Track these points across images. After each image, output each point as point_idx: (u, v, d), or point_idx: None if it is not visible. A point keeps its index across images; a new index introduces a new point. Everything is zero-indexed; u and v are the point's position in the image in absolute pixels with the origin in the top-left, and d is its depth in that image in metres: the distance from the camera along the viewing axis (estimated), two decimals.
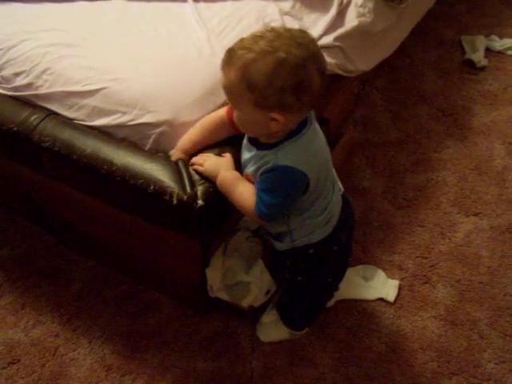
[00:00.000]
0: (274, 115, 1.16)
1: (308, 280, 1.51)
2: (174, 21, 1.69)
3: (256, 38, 1.14)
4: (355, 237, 1.66)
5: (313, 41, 1.17)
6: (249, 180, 1.32)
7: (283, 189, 1.24)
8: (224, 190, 1.34)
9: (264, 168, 1.24)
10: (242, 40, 1.16)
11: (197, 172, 1.37)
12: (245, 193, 1.30)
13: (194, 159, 1.39)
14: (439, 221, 1.96)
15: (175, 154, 1.43)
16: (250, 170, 1.30)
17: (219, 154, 1.39)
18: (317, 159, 1.28)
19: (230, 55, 1.16)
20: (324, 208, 1.36)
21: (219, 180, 1.34)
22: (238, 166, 1.37)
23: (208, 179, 1.36)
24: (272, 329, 1.69)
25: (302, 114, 1.21)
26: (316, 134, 1.29)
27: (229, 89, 1.18)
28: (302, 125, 1.24)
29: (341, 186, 1.45)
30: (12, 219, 1.98)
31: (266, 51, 1.11)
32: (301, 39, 1.14)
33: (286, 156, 1.22)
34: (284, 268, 1.50)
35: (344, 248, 1.53)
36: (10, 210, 2.00)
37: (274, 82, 1.11)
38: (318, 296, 1.63)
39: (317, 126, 1.30)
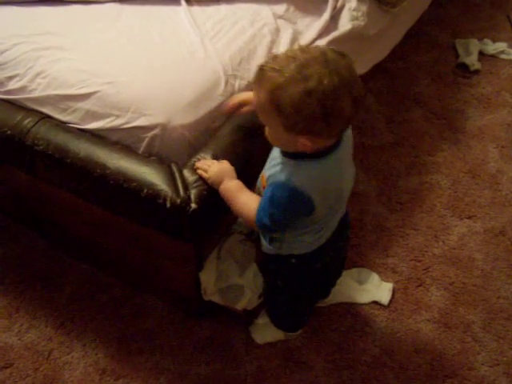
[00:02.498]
0: (302, 139, 1.14)
1: (288, 287, 1.52)
2: (168, 24, 1.69)
3: (288, 59, 1.10)
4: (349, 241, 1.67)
5: (348, 66, 1.12)
6: (263, 180, 1.31)
7: (286, 206, 1.22)
8: (227, 198, 1.34)
9: (275, 179, 1.23)
10: (274, 59, 1.12)
11: (200, 177, 1.38)
12: (247, 203, 1.31)
13: (199, 164, 1.39)
14: (433, 224, 1.97)
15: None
16: (267, 170, 1.28)
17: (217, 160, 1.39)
18: (330, 187, 1.25)
19: (261, 75, 1.12)
20: (320, 229, 1.35)
21: (223, 188, 1.34)
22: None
23: (204, 182, 1.36)
24: (266, 330, 1.70)
25: (332, 138, 1.19)
26: (340, 162, 1.25)
27: (259, 107, 1.16)
28: (329, 149, 1.20)
29: (345, 208, 1.43)
30: (5, 222, 1.98)
31: (295, 78, 1.07)
32: (335, 65, 1.09)
33: (299, 176, 1.20)
34: (267, 270, 1.52)
35: (328, 267, 1.51)
36: (3, 213, 1.99)
37: (301, 111, 1.09)
38: (300, 303, 1.61)
39: (345, 154, 1.26)
